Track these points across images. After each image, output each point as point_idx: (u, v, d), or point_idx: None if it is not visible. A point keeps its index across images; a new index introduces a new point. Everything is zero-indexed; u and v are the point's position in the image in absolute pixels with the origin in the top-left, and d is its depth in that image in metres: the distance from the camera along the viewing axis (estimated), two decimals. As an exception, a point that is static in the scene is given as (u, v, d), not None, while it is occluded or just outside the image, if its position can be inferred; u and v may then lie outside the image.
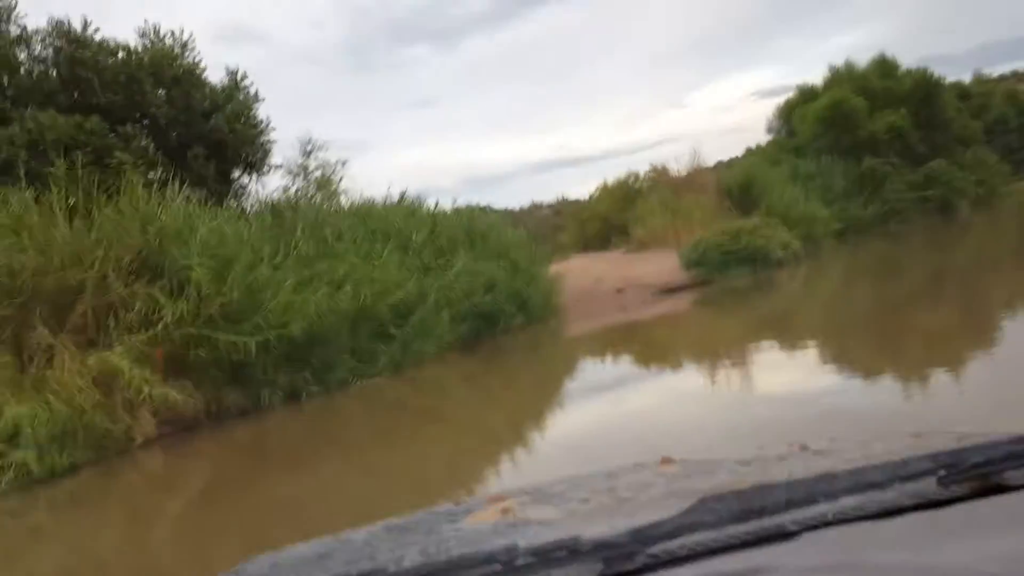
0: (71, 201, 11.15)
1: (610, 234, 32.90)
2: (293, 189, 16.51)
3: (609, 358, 13.49)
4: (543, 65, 69.49)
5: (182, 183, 12.50)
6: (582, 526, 1.02)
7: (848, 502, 0.94)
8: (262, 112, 16.23)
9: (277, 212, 14.31)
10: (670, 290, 18.03)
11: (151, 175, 12.77)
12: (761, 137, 38.18)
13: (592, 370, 12.42)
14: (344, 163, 17.43)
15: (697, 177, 27.09)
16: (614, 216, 33.77)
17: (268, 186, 16.68)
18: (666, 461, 1.62)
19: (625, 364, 12.43)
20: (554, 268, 18.64)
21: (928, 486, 0.95)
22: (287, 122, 22.13)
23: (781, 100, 22.62)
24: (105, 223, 11.09)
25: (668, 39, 69.88)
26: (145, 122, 14.84)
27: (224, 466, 9.88)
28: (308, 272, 12.28)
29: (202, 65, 15.60)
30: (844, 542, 0.87)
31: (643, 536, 0.90)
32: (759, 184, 26.21)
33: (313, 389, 11.56)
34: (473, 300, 14.51)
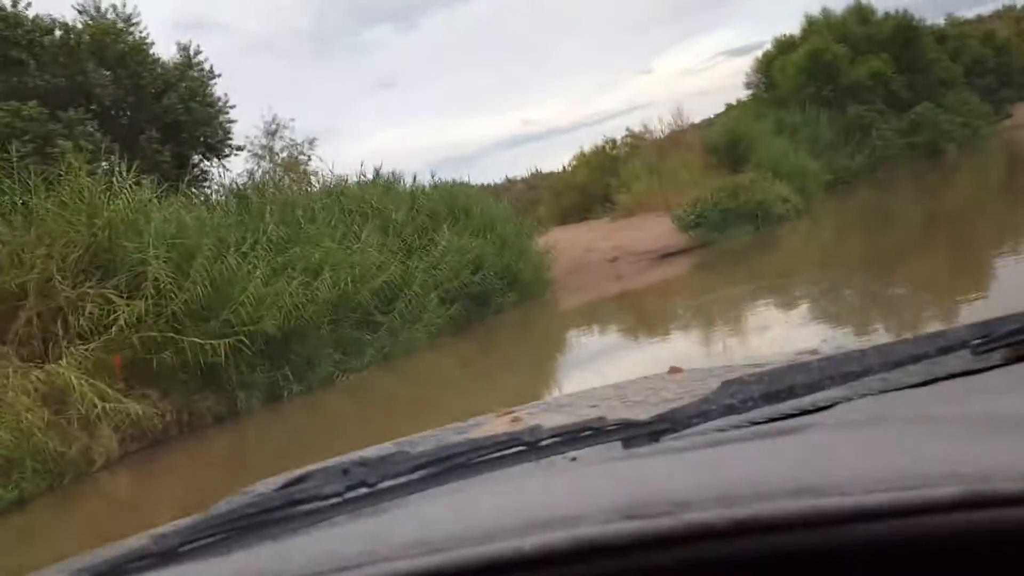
0: (8, 196, 9.82)
1: (590, 204, 31.96)
2: (259, 172, 15.21)
3: (612, 335, 12.37)
4: (506, 39, 68.17)
5: (134, 170, 11.19)
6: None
7: (880, 378, 0.89)
8: (219, 90, 14.88)
9: (242, 196, 12.99)
10: (667, 255, 16.92)
11: (100, 163, 11.39)
12: (731, 96, 37.19)
13: (596, 350, 11.27)
14: (312, 141, 16.14)
15: (680, 137, 25.91)
16: (593, 185, 32.64)
17: (232, 171, 15.31)
18: (675, 370, 1.64)
19: (631, 342, 11.30)
20: (540, 241, 17.45)
21: (963, 357, 0.90)
22: (250, 112, 20.64)
23: (750, 58, 22.02)
24: (47, 218, 9.77)
25: (631, 5, 68.76)
26: (92, 106, 13.43)
27: (198, 484, 8.65)
28: (280, 260, 11.02)
29: (149, 40, 14.19)
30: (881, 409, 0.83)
31: (669, 418, 0.88)
32: (746, 139, 25.09)
33: (295, 388, 10.35)
34: (462, 280, 13.31)
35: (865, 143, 28.55)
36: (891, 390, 0.87)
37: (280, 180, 14.56)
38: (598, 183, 32.97)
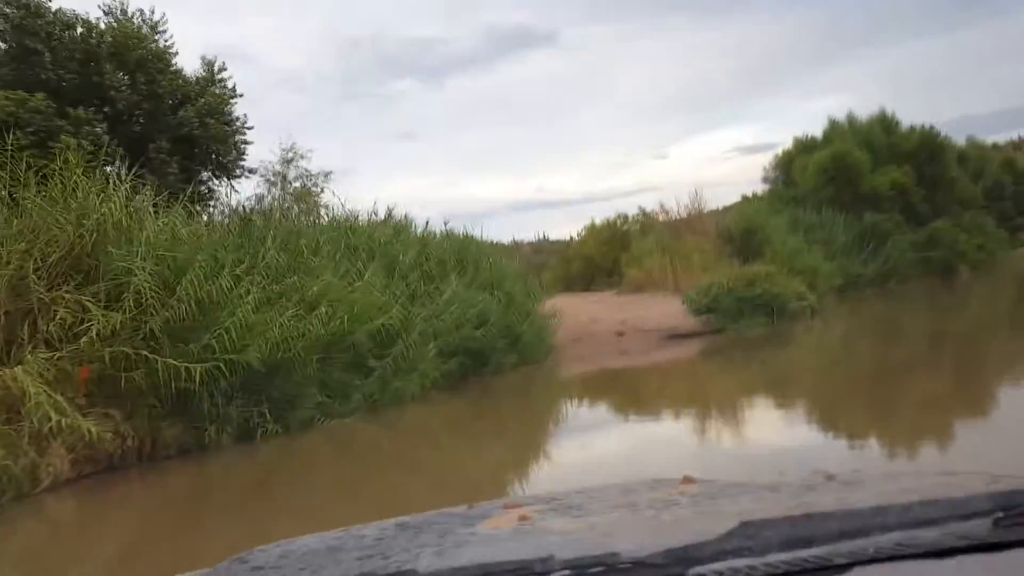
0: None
1: (595, 275, 31.63)
2: (268, 198, 14.59)
3: (612, 413, 11.53)
4: (527, 108, 68.69)
5: (135, 176, 10.52)
6: (609, 541, 0.99)
7: (898, 537, 0.89)
8: (239, 110, 14.34)
9: (245, 218, 12.31)
10: (677, 336, 16.17)
11: (102, 165, 10.72)
12: (740, 191, 37.09)
13: (594, 428, 10.41)
14: (328, 175, 15.57)
15: (695, 221, 25.45)
16: (600, 257, 32.38)
17: (241, 193, 14.70)
18: (688, 480, 1.55)
19: (632, 425, 10.45)
20: (546, 305, 16.72)
21: (982, 527, 0.89)
22: (269, 140, 20.18)
23: (761, 156, 22.11)
24: (33, 212, 9.05)
25: (652, 93, 69.76)
26: (104, 109, 12.86)
27: (150, 519, 7.75)
28: (276, 288, 10.27)
29: (174, 50, 13.70)
30: None
31: (683, 557, 0.87)
32: (761, 232, 24.64)
33: (271, 428, 9.48)
34: (463, 333, 12.54)
35: (880, 252, 28.10)
36: (908, 556, 0.86)
37: (288, 208, 13.91)
38: (606, 256, 32.74)
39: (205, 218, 12.71)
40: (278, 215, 12.87)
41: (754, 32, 67.69)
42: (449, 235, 15.36)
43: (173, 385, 8.70)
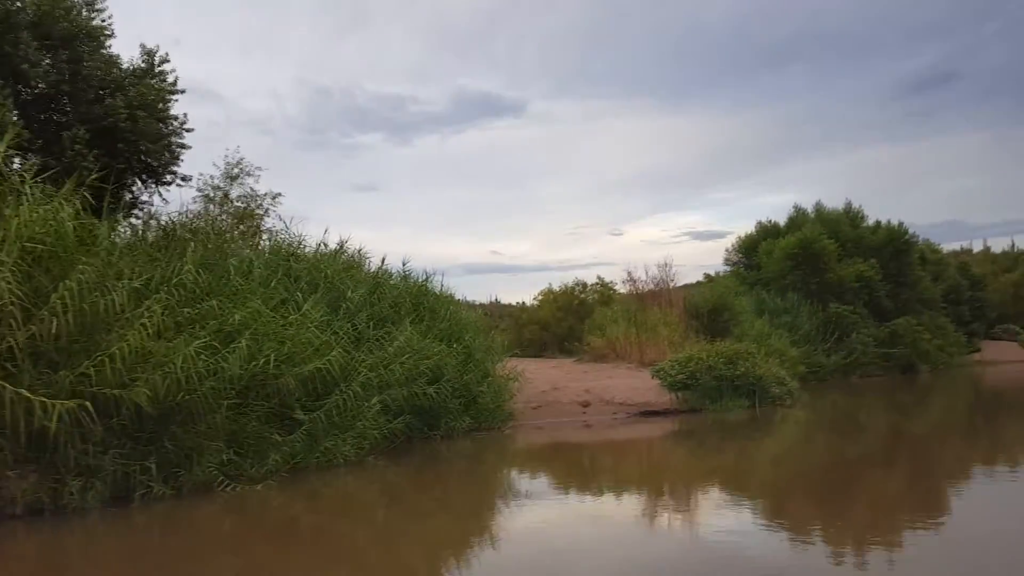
0: None
1: (547, 342, 29.98)
2: (204, 216, 12.41)
3: (572, 495, 9.44)
4: (490, 173, 67.53)
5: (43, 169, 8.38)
6: None
7: None
8: (178, 108, 12.25)
9: (167, 230, 10.15)
10: (649, 412, 14.25)
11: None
12: (690, 275, 36.36)
13: (549, 511, 8.29)
14: (276, 197, 13.48)
15: (663, 293, 23.83)
16: (555, 323, 30.81)
17: (172, 204, 12.53)
18: None
19: (595, 512, 8.36)
20: (505, 368, 14.67)
21: None
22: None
23: (712, 243, 21.19)
24: None
25: (613, 170, 69.60)
26: (18, 87, 10.70)
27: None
28: (188, 313, 8.11)
29: (109, 31, 11.63)
30: None
31: None
32: (730, 310, 23.14)
33: (157, 489, 7.24)
34: (414, 389, 10.45)
35: (843, 344, 26.81)
36: None
37: (225, 226, 11.78)
38: (561, 322, 31.19)
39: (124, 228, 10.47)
40: (209, 230, 10.72)
41: (715, 123, 68.25)
42: (406, 276, 13.32)
43: (31, 423, 6.46)
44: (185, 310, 8.03)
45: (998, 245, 51.43)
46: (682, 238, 63.75)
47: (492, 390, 12.89)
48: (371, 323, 10.75)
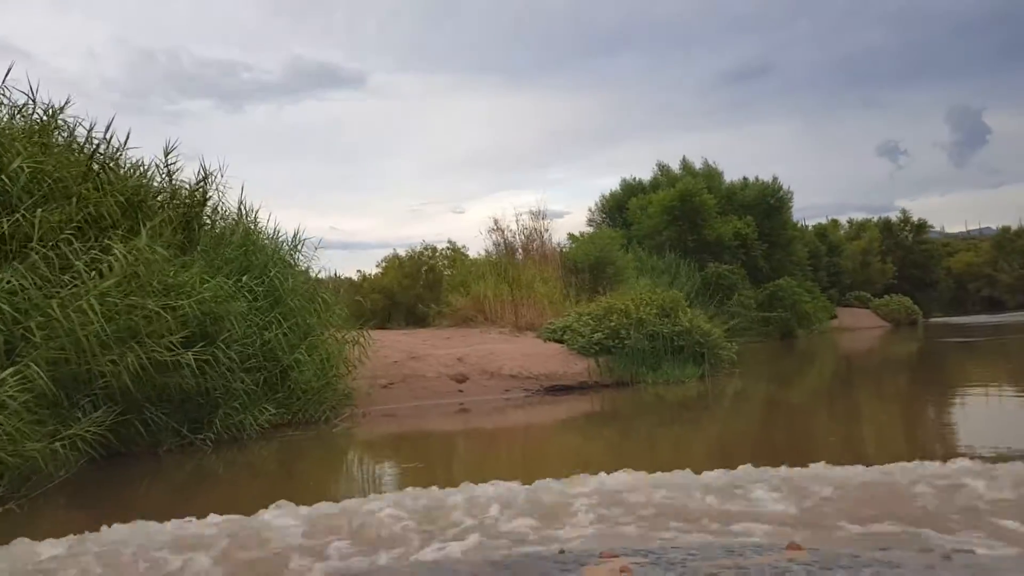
0: None
1: (391, 312, 25.05)
2: None
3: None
4: (327, 147, 61.15)
5: None
6: None
7: None
8: None
9: None
10: (557, 388, 9.46)
11: None
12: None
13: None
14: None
15: (537, 248, 19.21)
16: (401, 291, 25.85)
17: None
18: (793, 547, 1.56)
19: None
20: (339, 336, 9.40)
21: None
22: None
23: (549, 223, 17.72)
24: None
25: (454, 148, 65.35)
26: None
27: None
28: None
29: None
30: None
31: None
32: (615, 265, 18.89)
33: None
34: (151, 351, 5.09)
35: (724, 307, 23.32)
36: None
37: None
38: (408, 291, 26.25)
39: None
40: None
41: (553, 105, 65.92)
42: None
43: None
44: None
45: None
46: (523, 217, 60.25)
47: (316, 361, 7.65)
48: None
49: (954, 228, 58.03)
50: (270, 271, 7.49)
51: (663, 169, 30.23)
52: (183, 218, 7.68)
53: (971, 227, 58.36)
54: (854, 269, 37.71)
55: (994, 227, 49.50)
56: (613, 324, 10.02)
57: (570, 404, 8.96)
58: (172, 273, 6.21)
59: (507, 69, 70.61)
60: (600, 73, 69.78)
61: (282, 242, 8.45)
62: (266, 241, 8.27)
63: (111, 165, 6.66)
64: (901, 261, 40.08)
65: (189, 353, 5.63)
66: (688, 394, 9.22)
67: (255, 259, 7.69)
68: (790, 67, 76.21)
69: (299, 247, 8.64)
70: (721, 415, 8.28)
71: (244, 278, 6.86)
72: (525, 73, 70.28)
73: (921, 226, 41.63)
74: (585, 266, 18.40)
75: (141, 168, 7.53)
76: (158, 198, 7.14)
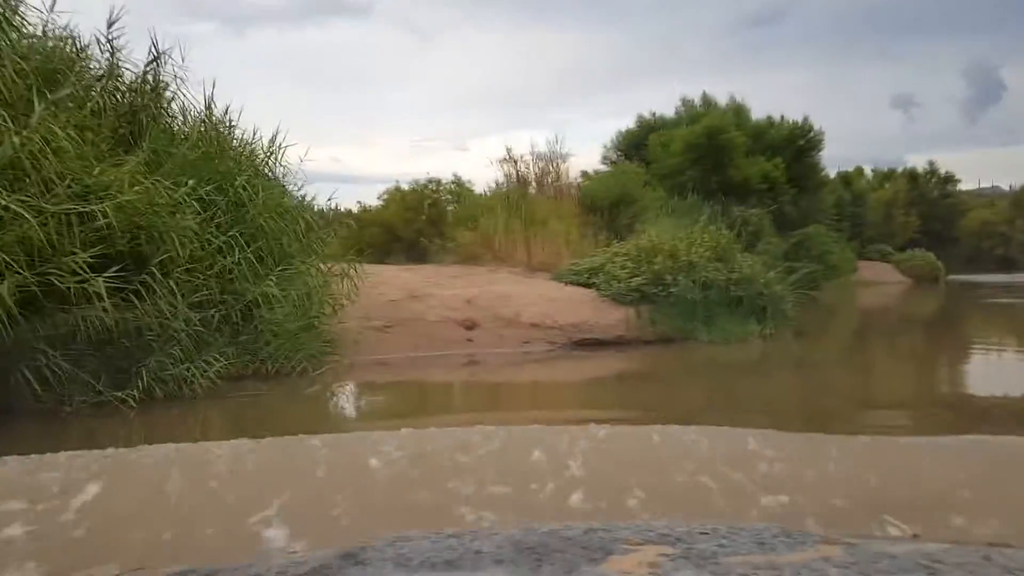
0: None
1: (391, 247, 23.37)
2: None
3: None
4: (330, 76, 58.72)
5: None
6: None
7: None
8: None
9: None
10: (587, 343, 7.80)
11: None
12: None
13: None
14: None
15: (552, 182, 17.44)
16: (402, 225, 24.08)
17: None
18: (829, 542, 1.39)
19: None
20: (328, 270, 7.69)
21: None
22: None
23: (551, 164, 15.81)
24: None
25: (459, 83, 62.95)
26: None
27: None
28: None
29: None
30: None
31: None
32: (638, 204, 17.13)
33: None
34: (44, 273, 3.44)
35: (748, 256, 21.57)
36: None
37: None
38: (410, 225, 24.47)
39: None
40: None
41: (564, 42, 63.23)
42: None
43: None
44: None
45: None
46: (528, 157, 58.23)
47: (292, 297, 5.99)
48: None
49: (964, 186, 56.05)
50: (235, 179, 5.77)
51: (687, 104, 28.16)
52: (129, 108, 5.96)
53: (983, 185, 56.32)
54: (876, 221, 35.86)
55: (1005, 186, 47.57)
56: (657, 267, 8.31)
57: (607, 362, 7.32)
58: (98, 171, 4.53)
59: (517, 2, 67.75)
60: (614, 9, 66.82)
61: (255, 147, 6.71)
62: (235, 143, 6.54)
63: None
64: (924, 215, 38.20)
65: (99, 279, 3.98)
66: (751, 356, 7.57)
67: (219, 165, 5.97)
68: (806, 13, 73.17)
69: (277, 155, 6.90)
70: (819, 386, 6.57)
71: (191, 182, 5.15)
72: (539, 6, 67.38)
73: (949, 178, 39.59)
74: (605, 204, 16.64)
75: (72, 39, 5.78)
76: (80, 71, 5.37)
